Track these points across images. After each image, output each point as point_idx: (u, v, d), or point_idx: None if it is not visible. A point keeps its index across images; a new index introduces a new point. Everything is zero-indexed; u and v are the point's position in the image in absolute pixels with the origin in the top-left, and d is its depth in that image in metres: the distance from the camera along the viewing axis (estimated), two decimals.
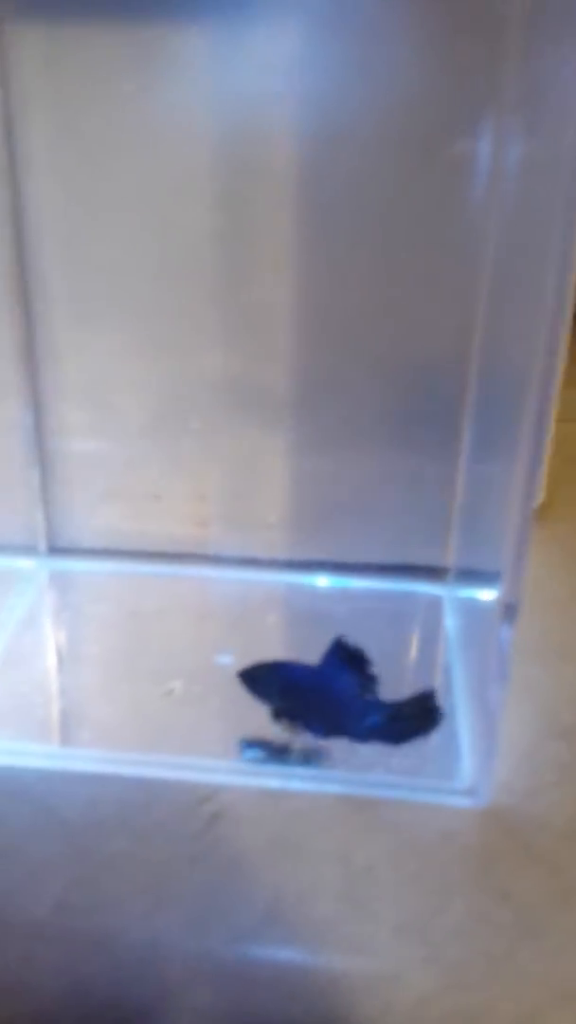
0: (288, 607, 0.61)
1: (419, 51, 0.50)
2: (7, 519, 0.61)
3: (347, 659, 0.51)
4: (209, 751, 0.49)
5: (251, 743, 0.49)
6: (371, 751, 0.48)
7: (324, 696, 0.51)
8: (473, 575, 0.56)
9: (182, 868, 0.43)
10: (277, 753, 0.49)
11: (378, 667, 0.53)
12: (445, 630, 0.58)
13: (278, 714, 0.51)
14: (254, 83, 0.52)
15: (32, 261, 0.57)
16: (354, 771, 0.47)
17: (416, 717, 0.50)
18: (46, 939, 0.40)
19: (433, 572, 0.62)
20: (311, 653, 0.54)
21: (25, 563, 0.63)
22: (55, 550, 0.64)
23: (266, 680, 0.53)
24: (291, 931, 0.41)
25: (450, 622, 0.58)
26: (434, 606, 0.61)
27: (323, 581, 0.62)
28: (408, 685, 0.53)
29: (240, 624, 0.59)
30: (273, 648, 0.56)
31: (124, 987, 0.39)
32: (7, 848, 0.44)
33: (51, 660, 0.56)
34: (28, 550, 0.64)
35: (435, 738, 0.49)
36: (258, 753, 0.49)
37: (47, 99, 0.53)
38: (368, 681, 0.51)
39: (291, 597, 0.62)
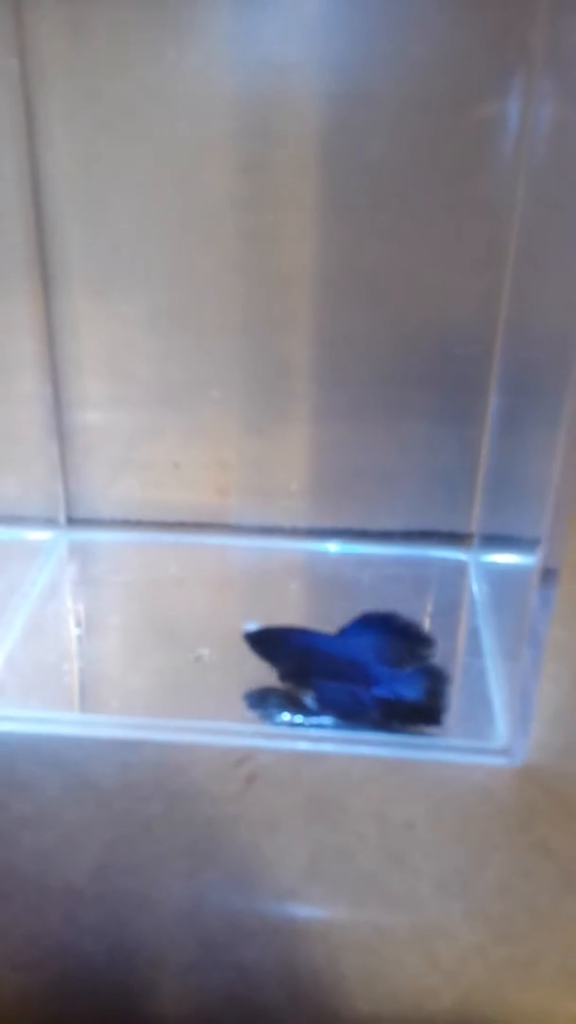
0: (311, 575, 0.61)
1: (446, 12, 0.50)
2: (26, 491, 0.60)
3: (380, 626, 0.51)
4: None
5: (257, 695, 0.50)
6: None
7: (335, 662, 0.51)
8: (498, 540, 0.56)
9: (221, 829, 0.43)
10: (284, 704, 0.49)
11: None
12: (472, 594, 0.58)
13: (284, 677, 0.52)
14: (277, 47, 0.51)
15: (50, 230, 0.56)
16: (388, 733, 0.47)
17: (420, 709, 0.49)
18: (87, 901, 0.40)
19: (457, 538, 0.62)
20: (335, 620, 0.55)
21: (45, 535, 0.63)
22: (74, 521, 0.64)
23: (275, 644, 0.53)
24: (333, 887, 0.41)
25: (476, 587, 0.58)
26: (459, 571, 0.60)
27: (345, 548, 0.62)
28: (438, 648, 0.54)
29: (263, 592, 0.59)
30: (297, 615, 0.56)
31: (167, 946, 0.39)
32: (43, 814, 0.44)
33: (75, 629, 0.55)
34: (48, 522, 0.64)
35: (468, 701, 0.50)
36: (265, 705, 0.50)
37: (66, 65, 0.52)
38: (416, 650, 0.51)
39: (313, 565, 0.62)
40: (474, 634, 0.54)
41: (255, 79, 0.53)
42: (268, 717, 0.49)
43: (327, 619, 0.55)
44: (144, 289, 0.58)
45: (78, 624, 0.56)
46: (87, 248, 0.57)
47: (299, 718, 0.49)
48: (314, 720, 0.48)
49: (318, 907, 0.40)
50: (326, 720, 0.48)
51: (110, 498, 0.64)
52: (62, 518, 0.64)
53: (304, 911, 0.40)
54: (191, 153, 0.55)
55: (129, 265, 0.58)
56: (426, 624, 0.55)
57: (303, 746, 0.47)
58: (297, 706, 0.50)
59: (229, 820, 0.44)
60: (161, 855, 0.42)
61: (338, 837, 0.43)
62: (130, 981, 0.38)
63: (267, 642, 0.53)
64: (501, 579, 0.54)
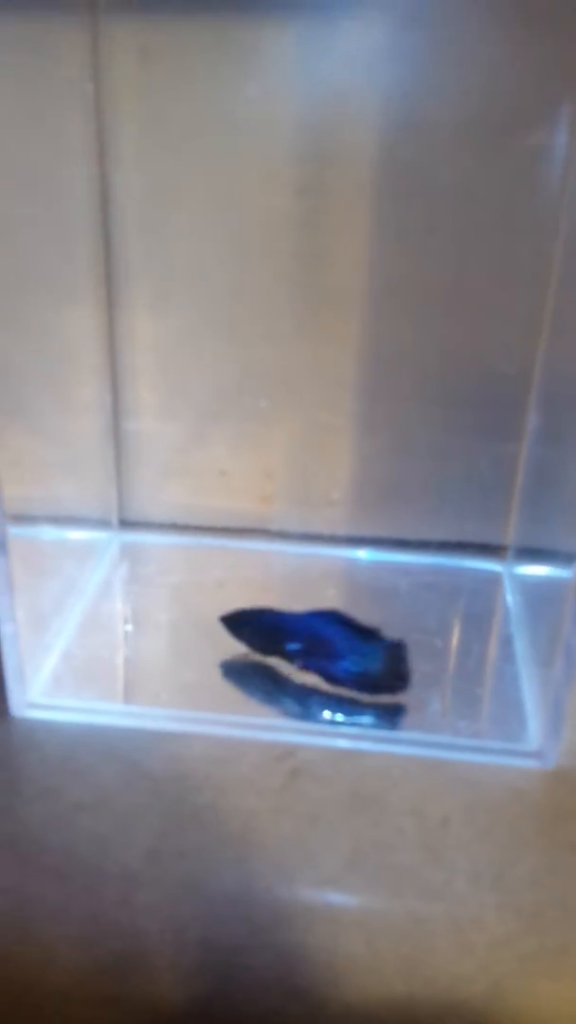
0: (349, 581, 0.64)
1: (499, 44, 0.53)
2: (85, 494, 0.63)
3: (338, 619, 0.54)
4: (284, 711, 0.51)
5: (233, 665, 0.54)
6: (443, 716, 0.51)
7: (307, 638, 0.53)
8: (532, 553, 0.58)
9: (266, 819, 0.46)
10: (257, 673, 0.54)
11: (441, 638, 0.56)
12: (505, 604, 0.60)
13: (255, 650, 0.55)
14: (338, 74, 0.54)
15: (116, 247, 0.59)
16: (425, 734, 0.50)
17: (387, 674, 0.52)
18: (141, 884, 0.43)
19: (492, 550, 0.64)
20: (373, 623, 0.57)
21: (99, 535, 0.66)
22: (126, 523, 0.67)
23: (249, 624, 0.55)
24: (372, 877, 0.43)
25: (510, 597, 0.60)
26: (493, 582, 0.63)
27: (383, 556, 0.65)
28: (472, 655, 0.56)
29: (303, 597, 0.61)
30: None
31: (216, 928, 0.41)
32: (98, 801, 0.46)
33: (128, 626, 0.58)
34: (102, 523, 0.66)
35: (501, 705, 0.52)
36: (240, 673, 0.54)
37: (138, 90, 0.56)
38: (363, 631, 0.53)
39: (352, 572, 0.65)
40: (507, 642, 0.56)
41: (315, 105, 0.55)
42: (242, 685, 0.53)
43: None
44: (199, 304, 0.61)
45: (129, 621, 0.58)
46: (149, 264, 0.60)
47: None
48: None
49: (358, 896, 0.42)
50: (365, 719, 0.51)
51: (160, 503, 0.67)
52: (115, 520, 0.67)
53: (344, 899, 0.42)
54: (251, 175, 0.57)
55: (187, 281, 0.61)
56: (459, 631, 0.58)
57: (343, 744, 0.50)
58: (269, 675, 0.54)
59: (273, 811, 0.46)
60: (210, 842, 0.44)
61: (377, 831, 0.45)
62: (181, 960, 0.41)
63: (241, 623, 0.56)
64: (535, 590, 0.56)
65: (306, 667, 0.53)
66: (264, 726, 0.50)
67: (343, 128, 0.56)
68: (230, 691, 0.53)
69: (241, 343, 0.62)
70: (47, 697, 0.52)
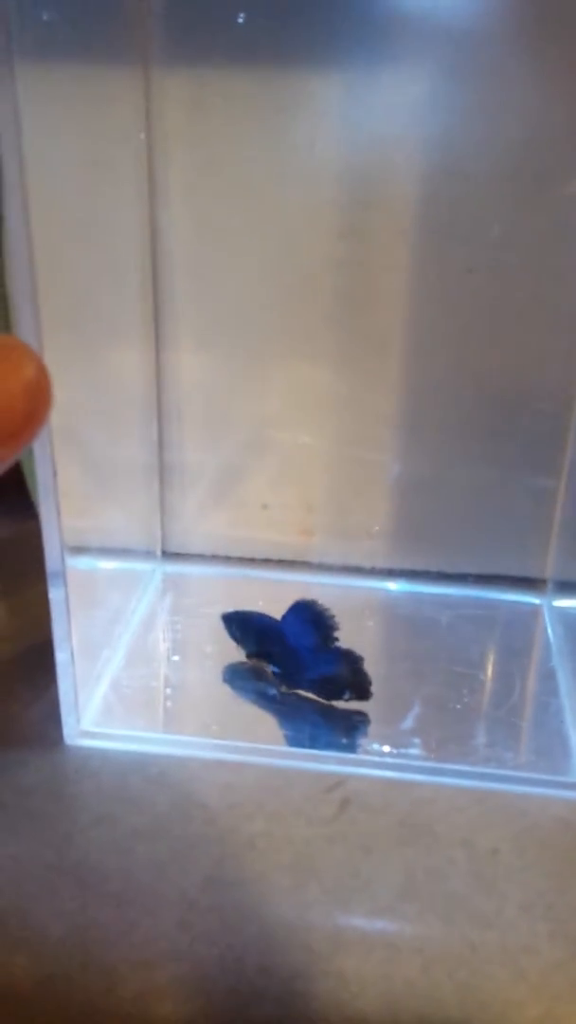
0: (388, 613, 0.65)
1: (539, 92, 0.55)
2: (130, 525, 0.64)
3: (310, 618, 0.56)
4: (331, 743, 0.52)
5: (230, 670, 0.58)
6: (487, 749, 0.52)
7: (283, 645, 0.56)
8: (572, 587, 0.59)
9: (320, 848, 0.47)
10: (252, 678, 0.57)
11: (484, 671, 0.57)
12: (547, 637, 0.61)
13: (250, 656, 0.58)
14: (380, 124, 0.56)
15: (164, 287, 0.61)
16: (471, 765, 0.51)
17: (348, 682, 0.54)
18: (199, 910, 0.44)
19: (531, 583, 0.66)
20: (408, 657, 0.59)
21: (143, 566, 0.67)
22: (169, 554, 0.69)
23: (242, 625, 0.58)
24: (426, 905, 0.44)
25: (551, 630, 0.62)
26: (533, 615, 0.64)
27: (423, 589, 0.66)
28: (515, 687, 0.57)
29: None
30: (373, 651, 0.60)
31: (274, 954, 0.42)
32: (154, 829, 0.47)
33: (174, 656, 0.59)
34: (146, 554, 0.68)
35: (546, 737, 0.53)
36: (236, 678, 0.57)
37: (187, 138, 0.58)
38: (328, 635, 0.55)
39: (391, 604, 0.66)
40: (550, 675, 0.57)
41: (358, 152, 0.57)
42: (240, 689, 0.56)
43: (402, 656, 0.59)
44: (244, 342, 0.63)
45: (175, 652, 0.60)
46: (195, 304, 0.62)
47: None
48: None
49: (413, 923, 0.43)
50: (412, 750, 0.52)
51: (203, 534, 0.68)
52: (158, 551, 0.69)
53: (400, 926, 0.43)
54: (296, 219, 0.59)
55: (232, 321, 0.62)
56: (501, 663, 0.59)
57: (392, 775, 0.51)
58: (262, 679, 0.57)
59: (326, 840, 0.47)
60: (265, 870, 0.46)
61: (429, 860, 0.46)
62: (240, 986, 0.41)
63: (236, 624, 0.59)
64: (574, 622, 0.58)
65: (275, 673, 0.57)
66: (313, 757, 0.51)
67: (385, 174, 0.58)
68: (275, 720, 0.55)
69: (283, 380, 0.64)
70: (99, 726, 0.53)
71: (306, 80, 0.56)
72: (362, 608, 0.62)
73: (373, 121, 0.57)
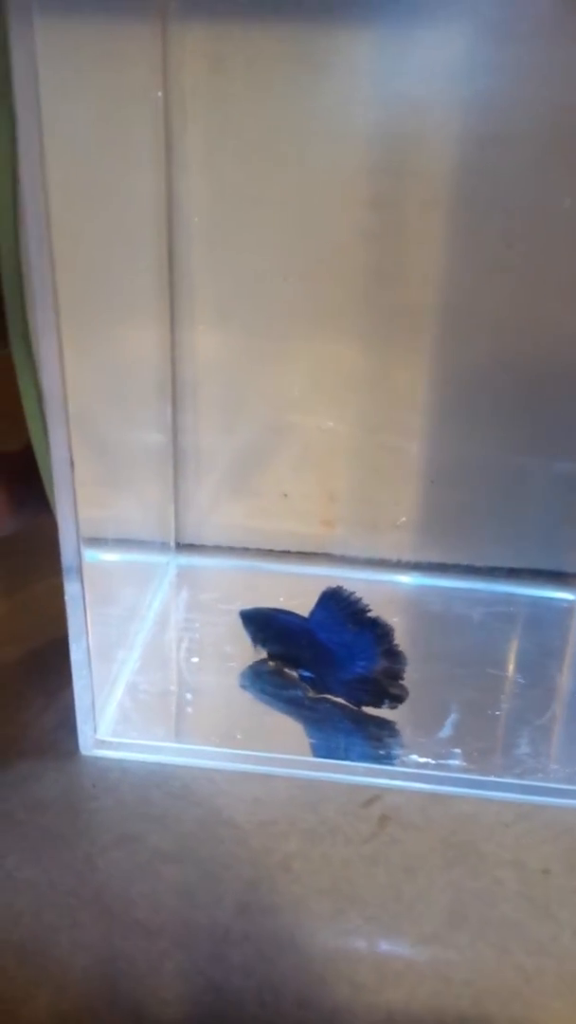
0: (415, 610, 0.61)
1: None
2: (143, 515, 0.60)
3: (339, 608, 0.52)
4: (365, 753, 0.49)
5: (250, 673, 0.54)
6: (531, 760, 0.49)
7: (312, 645, 0.52)
8: None
9: (359, 869, 0.44)
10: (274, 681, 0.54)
11: (522, 674, 0.54)
12: None
13: (272, 657, 0.54)
14: (417, 84, 0.52)
15: (180, 259, 0.57)
16: (516, 778, 0.48)
17: (384, 688, 0.51)
18: (232, 939, 0.41)
19: (565, 578, 0.63)
20: (442, 657, 0.56)
21: (156, 559, 0.63)
22: (183, 546, 0.65)
23: (263, 624, 0.55)
24: (476, 933, 0.41)
25: None
26: (567, 611, 0.61)
27: (451, 583, 0.63)
28: (554, 691, 0.54)
29: None
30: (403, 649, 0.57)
31: (314, 987, 0.39)
32: (180, 849, 0.44)
33: (193, 658, 0.56)
34: (159, 546, 0.64)
35: None
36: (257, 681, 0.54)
37: (207, 99, 0.53)
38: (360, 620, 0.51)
39: (419, 599, 0.63)
40: None
41: (390, 115, 0.53)
42: (261, 694, 0.53)
43: (433, 656, 0.56)
44: (264, 319, 0.59)
45: (194, 653, 0.56)
46: (213, 278, 0.58)
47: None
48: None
49: (463, 952, 0.40)
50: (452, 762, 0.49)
51: (218, 524, 0.65)
52: (172, 542, 0.65)
53: (449, 955, 0.40)
54: (322, 187, 0.55)
55: (252, 296, 0.58)
56: (539, 665, 0.56)
57: (431, 787, 0.48)
58: (286, 683, 0.53)
59: (366, 861, 0.44)
60: (302, 895, 0.42)
61: (476, 883, 0.43)
62: (278, 1021, 0.39)
63: (259, 622, 0.55)
64: None
65: (304, 677, 0.53)
66: (347, 768, 0.48)
67: (419, 140, 0.54)
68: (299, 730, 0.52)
69: (306, 360, 0.60)
70: (116, 735, 0.49)
71: (335, 37, 0.52)
72: (387, 604, 0.59)
73: (407, 82, 0.53)
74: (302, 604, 0.55)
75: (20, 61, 0.35)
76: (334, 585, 0.52)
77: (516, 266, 0.56)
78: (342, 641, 0.51)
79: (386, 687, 0.50)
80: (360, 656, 0.51)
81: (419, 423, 0.60)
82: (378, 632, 0.50)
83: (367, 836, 0.45)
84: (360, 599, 0.51)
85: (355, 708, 0.52)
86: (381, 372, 0.59)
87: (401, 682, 0.50)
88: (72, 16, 0.41)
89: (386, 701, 0.50)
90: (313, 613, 0.53)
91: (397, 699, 0.51)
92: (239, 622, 0.56)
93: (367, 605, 0.51)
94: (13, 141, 0.37)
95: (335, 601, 0.52)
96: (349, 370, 0.60)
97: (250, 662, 0.55)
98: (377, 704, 0.51)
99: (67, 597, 0.46)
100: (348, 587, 0.53)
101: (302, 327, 0.59)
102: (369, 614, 0.51)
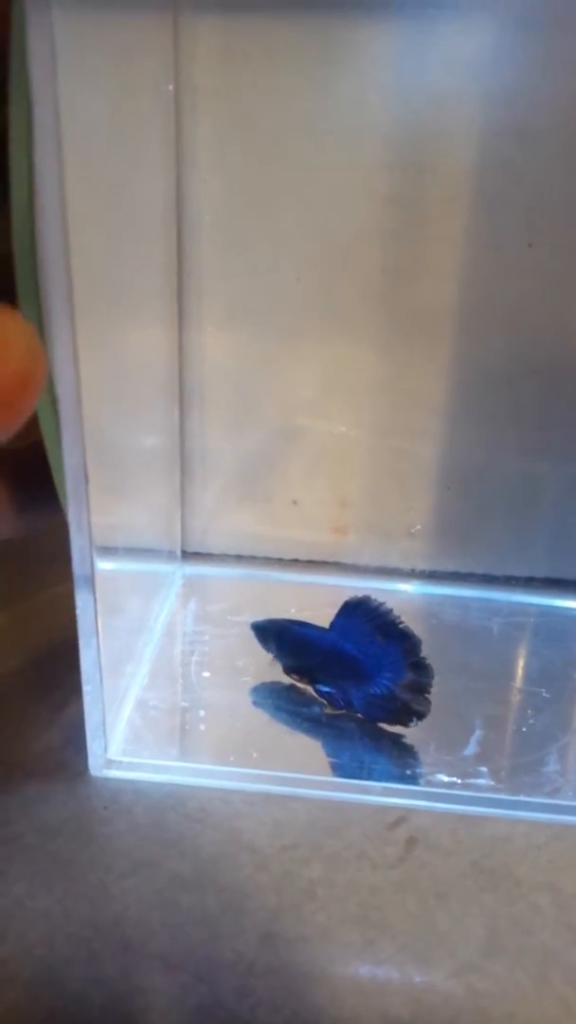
0: (431, 621, 0.59)
1: None
2: (148, 522, 0.58)
3: (367, 620, 0.50)
4: (389, 773, 0.47)
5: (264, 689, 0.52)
6: (560, 778, 0.47)
7: (332, 657, 0.50)
8: None
9: (388, 896, 0.42)
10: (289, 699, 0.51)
11: (547, 688, 0.53)
12: None
13: (289, 671, 0.52)
14: (438, 77, 0.50)
15: (189, 257, 0.55)
16: (547, 797, 0.46)
17: (407, 704, 0.49)
18: (258, 972, 0.38)
19: None
20: (462, 671, 0.54)
21: (163, 567, 0.61)
22: (190, 554, 0.63)
23: (277, 636, 0.52)
24: (514, 962, 0.39)
25: None
26: None
27: (467, 593, 0.61)
28: (573, 701, 0.52)
29: None
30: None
31: (347, 1023, 0.37)
32: (200, 876, 0.42)
33: (204, 673, 0.54)
34: (165, 554, 0.62)
35: None
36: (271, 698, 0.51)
37: (220, 92, 0.51)
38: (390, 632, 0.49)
39: (434, 610, 0.61)
40: None
41: (411, 110, 0.51)
42: (274, 711, 0.51)
43: (453, 669, 0.53)
44: (275, 319, 0.57)
45: (204, 667, 0.54)
46: (223, 277, 0.56)
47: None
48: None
49: (501, 983, 0.38)
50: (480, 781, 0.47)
51: (226, 532, 0.63)
52: (179, 551, 0.63)
53: (487, 986, 0.38)
54: (339, 183, 0.53)
55: (263, 296, 0.56)
56: (564, 678, 0.54)
57: (459, 808, 0.46)
58: (302, 700, 0.51)
59: (395, 888, 0.42)
60: (330, 924, 0.40)
61: (512, 909, 0.41)
62: None
63: (273, 634, 0.53)
64: None
65: (321, 693, 0.51)
66: (370, 789, 0.46)
67: (439, 135, 0.52)
68: (325, 748, 0.49)
69: (318, 362, 0.58)
70: (127, 754, 0.47)
71: (353, 28, 0.50)
72: (401, 614, 0.57)
73: (428, 75, 0.51)
74: (313, 616, 0.53)
75: (38, 52, 0.33)
76: (359, 595, 0.50)
77: (538, 266, 0.54)
78: (369, 653, 0.49)
79: (409, 702, 0.49)
80: (388, 668, 0.48)
81: (435, 427, 0.58)
82: (407, 645, 0.48)
83: (394, 860, 0.43)
84: (391, 610, 0.49)
85: (375, 725, 0.50)
86: (396, 375, 0.58)
87: (427, 696, 0.49)
88: (80, 5, 0.39)
89: (412, 719, 0.48)
90: (334, 623, 0.51)
91: (420, 715, 0.49)
92: (250, 634, 0.53)
93: (398, 616, 0.49)
94: (30, 137, 0.35)
95: (362, 611, 0.49)
96: (363, 373, 0.58)
97: (262, 676, 0.53)
98: (401, 721, 0.49)
99: (78, 608, 0.43)
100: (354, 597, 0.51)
101: (315, 328, 0.57)
102: (400, 625, 0.49)
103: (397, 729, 0.49)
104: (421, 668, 0.48)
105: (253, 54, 0.51)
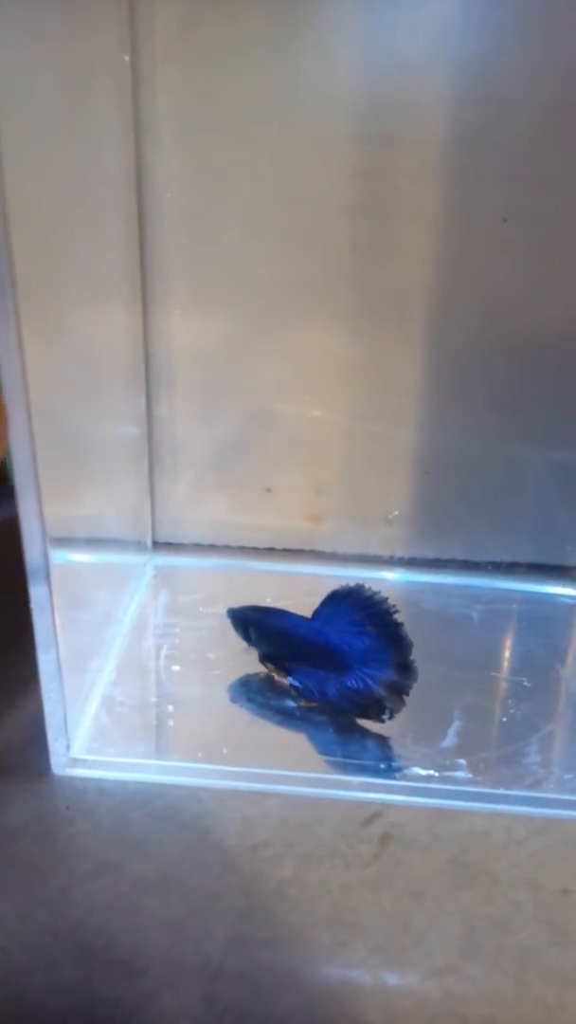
0: (410, 609, 0.57)
1: None
2: (116, 512, 0.56)
3: (359, 610, 0.48)
4: (363, 766, 0.46)
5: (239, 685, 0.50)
6: (542, 770, 0.46)
7: (312, 647, 0.49)
8: None
9: (362, 896, 0.40)
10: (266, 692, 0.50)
11: (528, 676, 0.51)
12: None
13: (265, 658, 0.50)
14: (405, 45, 0.49)
15: (152, 238, 0.53)
16: (528, 790, 0.44)
17: (381, 701, 0.47)
18: (225, 978, 0.37)
19: (568, 572, 0.59)
20: (440, 659, 0.52)
21: (132, 559, 0.59)
22: (160, 544, 0.61)
23: (256, 623, 0.51)
24: (493, 963, 0.37)
25: None
26: (573, 608, 0.57)
27: (447, 580, 0.60)
28: (561, 694, 0.51)
29: None
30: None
31: None
32: (166, 878, 0.40)
33: (173, 666, 0.52)
34: (135, 545, 0.60)
35: None
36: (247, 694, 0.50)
37: (179, 62, 0.50)
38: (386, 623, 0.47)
39: (414, 597, 0.59)
40: None
41: (379, 79, 0.50)
42: (252, 706, 0.49)
43: (431, 658, 0.51)
44: (244, 301, 0.55)
45: (174, 660, 0.52)
46: (188, 257, 0.54)
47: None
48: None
49: (479, 985, 0.37)
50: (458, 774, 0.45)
51: (197, 522, 0.61)
52: (149, 541, 0.61)
53: (463, 989, 0.37)
54: (305, 157, 0.52)
55: (230, 276, 0.55)
56: (546, 666, 0.52)
57: (436, 802, 0.44)
58: (278, 692, 0.49)
59: (368, 886, 0.40)
60: (301, 926, 0.39)
61: (490, 908, 0.40)
62: None
63: (253, 621, 0.51)
64: None
65: (295, 686, 0.49)
66: (345, 784, 0.44)
67: (409, 105, 0.50)
68: (298, 741, 0.48)
69: (289, 345, 0.56)
70: (91, 752, 0.45)
71: None
72: None
73: (395, 42, 0.49)
74: (290, 606, 0.51)
75: None
76: (349, 584, 0.48)
77: (514, 241, 0.52)
78: (353, 644, 0.47)
79: (383, 699, 0.47)
80: (372, 663, 0.47)
81: (412, 410, 0.57)
82: (398, 646, 0.46)
83: (369, 858, 0.42)
84: (386, 599, 0.47)
85: (350, 718, 0.48)
86: (370, 357, 0.56)
87: (403, 696, 0.47)
88: None
89: (383, 715, 0.47)
90: (318, 611, 0.49)
91: (392, 713, 0.47)
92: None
93: (393, 606, 0.47)
94: None
95: (352, 600, 0.48)
96: (336, 355, 0.56)
97: (235, 669, 0.51)
98: (371, 716, 0.47)
99: (33, 602, 0.42)
100: (338, 586, 0.49)
101: (284, 309, 0.55)
102: (395, 618, 0.47)
103: (368, 723, 0.48)
104: (407, 670, 0.47)
105: (214, 22, 0.49)
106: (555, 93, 0.49)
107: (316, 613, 0.49)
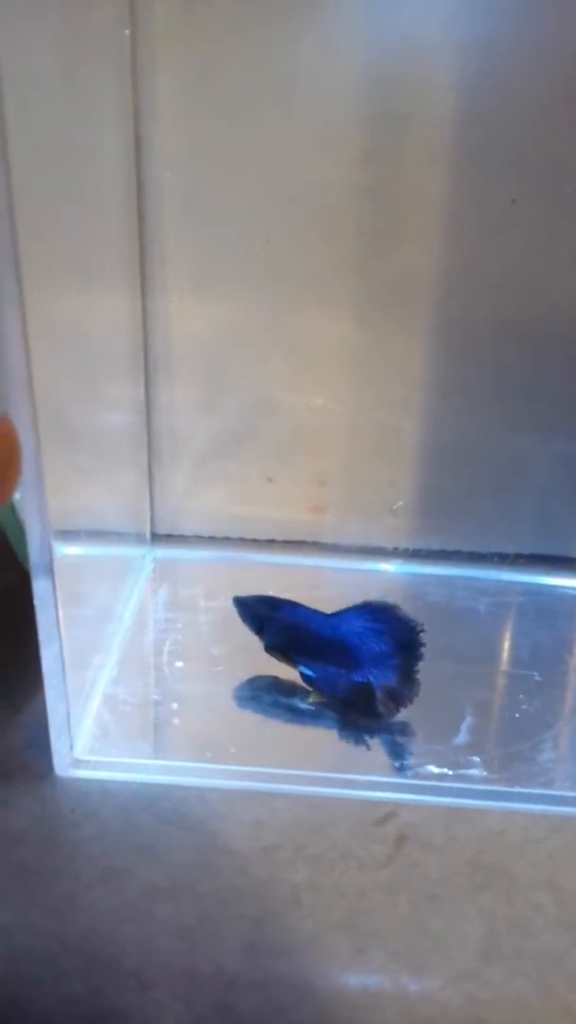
0: (415, 602, 0.56)
1: None
2: (114, 503, 0.55)
3: (380, 622, 0.47)
4: (376, 765, 0.44)
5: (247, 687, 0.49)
6: (557, 767, 0.45)
7: (321, 641, 0.48)
8: None
9: (378, 900, 0.39)
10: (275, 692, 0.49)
11: (539, 671, 0.50)
12: None
13: (270, 648, 0.49)
14: (414, 26, 0.48)
15: (151, 221, 0.52)
16: (544, 788, 0.43)
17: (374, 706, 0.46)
18: (240, 987, 0.36)
19: (574, 564, 0.59)
20: (448, 653, 0.51)
21: (131, 551, 0.58)
22: (160, 536, 0.60)
23: (264, 613, 0.50)
24: (514, 967, 0.36)
25: None
26: None
27: (452, 572, 0.59)
28: (566, 684, 0.50)
29: None
30: None
31: None
32: (175, 884, 0.39)
33: (177, 663, 0.51)
34: (134, 537, 0.59)
35: None
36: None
37: (181, 38, 0.48)
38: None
39: (418, 590, 0.58)
40: None
41: (386, 60, 0.49)
42: (258, 703, 0.48)
43: (439, 653, 0.50)
44: (245, 286, 0.54)
45: (177, 656, 0.51)
46: (188, 242, 0.53)
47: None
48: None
49: (501, 990, 0.36)
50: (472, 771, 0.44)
51: (198, 513, 0.60)
52: (148, 533, 0.60)
53: (485, 994, 0.36)
54: (310, 138, 0.50)
55: (231, 261, 0.53)
56: (556, 660, 0.52)
57: (451, 801, 0.43)
58: (285, 691, 0.48)
59: (384, 890, 0.39)
60: (316, 932, 0.38)
61: (510, 910, 0.39)
62: None
63: (257, 610, 0.50)
64: None
65: (307, 677, 0.48)
66: (357, 783, 0.43)
67: (416, 87, 0.49)
68: (307, 740, 0.47)
69: (292, 332, 0.55)
70: (94, 753, 0.44)
71: None
72: (383, 595, 0.54)
73: (403, 22, 0.48)
74: (292, 598, 0.50)
75: None
76: (387, 599, 0.48)
77: (521, 225, 0.51)
78: (366, 646, 0.46)
79: (380, 702, 0.46)
80: (380, 664, 0.46)
81: (416, 399, 0.56)
82: (410, 653, 0.46)
83: (384, 860, 0.41)
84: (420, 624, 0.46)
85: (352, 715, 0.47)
86: (375, 344, 0.55)
87: (400, 707, 0.46)
88: None
89: (380, 717, 0.46)
90: (343, 612, 0.48)
91: (384, 718, 0.46)
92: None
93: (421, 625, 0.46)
94: None
95: (385, 616, 0.47)
96: (340, 342, 0.55)
97: (240, 663, 0.50)
98: (368, 717, 0.46)
99: (36, 597, 0.40)
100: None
101: (288, 294, 0.54)
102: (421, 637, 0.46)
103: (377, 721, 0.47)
104: (409, 680, 0.46)
105: (220, 3, 0.47)
106: (564, 74, 0.48)
107: (341, 612, 0.48)
